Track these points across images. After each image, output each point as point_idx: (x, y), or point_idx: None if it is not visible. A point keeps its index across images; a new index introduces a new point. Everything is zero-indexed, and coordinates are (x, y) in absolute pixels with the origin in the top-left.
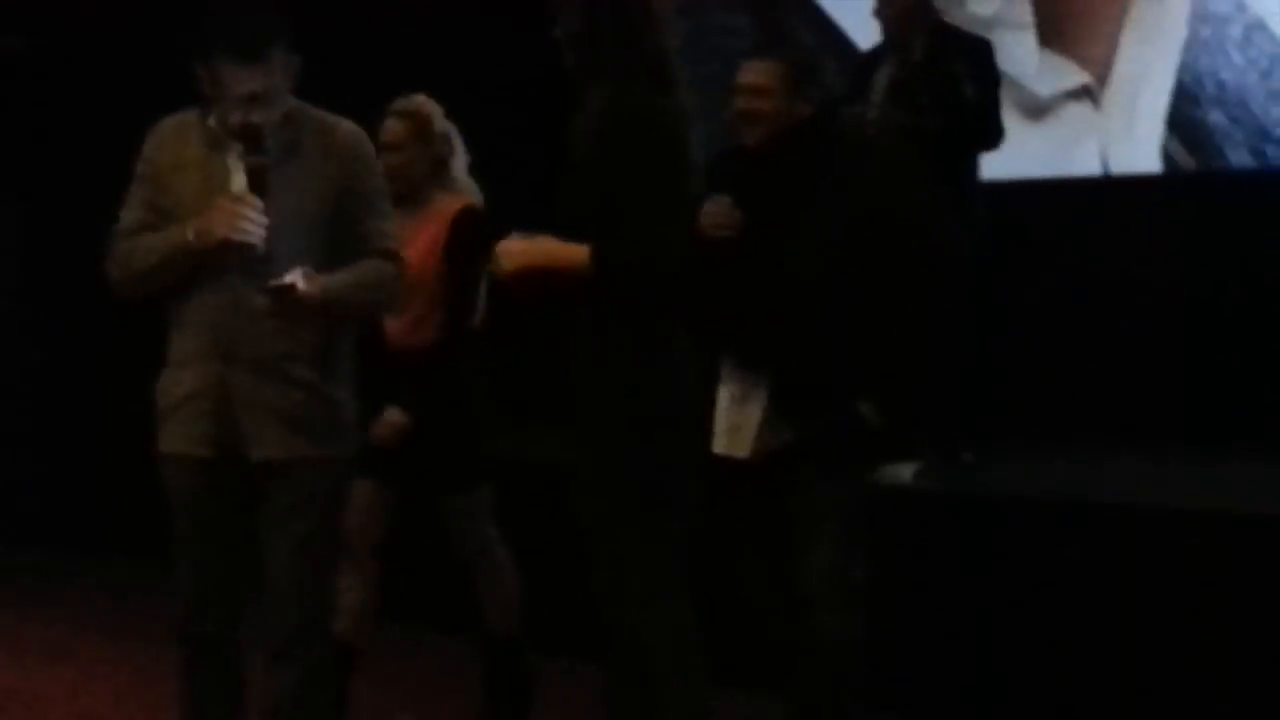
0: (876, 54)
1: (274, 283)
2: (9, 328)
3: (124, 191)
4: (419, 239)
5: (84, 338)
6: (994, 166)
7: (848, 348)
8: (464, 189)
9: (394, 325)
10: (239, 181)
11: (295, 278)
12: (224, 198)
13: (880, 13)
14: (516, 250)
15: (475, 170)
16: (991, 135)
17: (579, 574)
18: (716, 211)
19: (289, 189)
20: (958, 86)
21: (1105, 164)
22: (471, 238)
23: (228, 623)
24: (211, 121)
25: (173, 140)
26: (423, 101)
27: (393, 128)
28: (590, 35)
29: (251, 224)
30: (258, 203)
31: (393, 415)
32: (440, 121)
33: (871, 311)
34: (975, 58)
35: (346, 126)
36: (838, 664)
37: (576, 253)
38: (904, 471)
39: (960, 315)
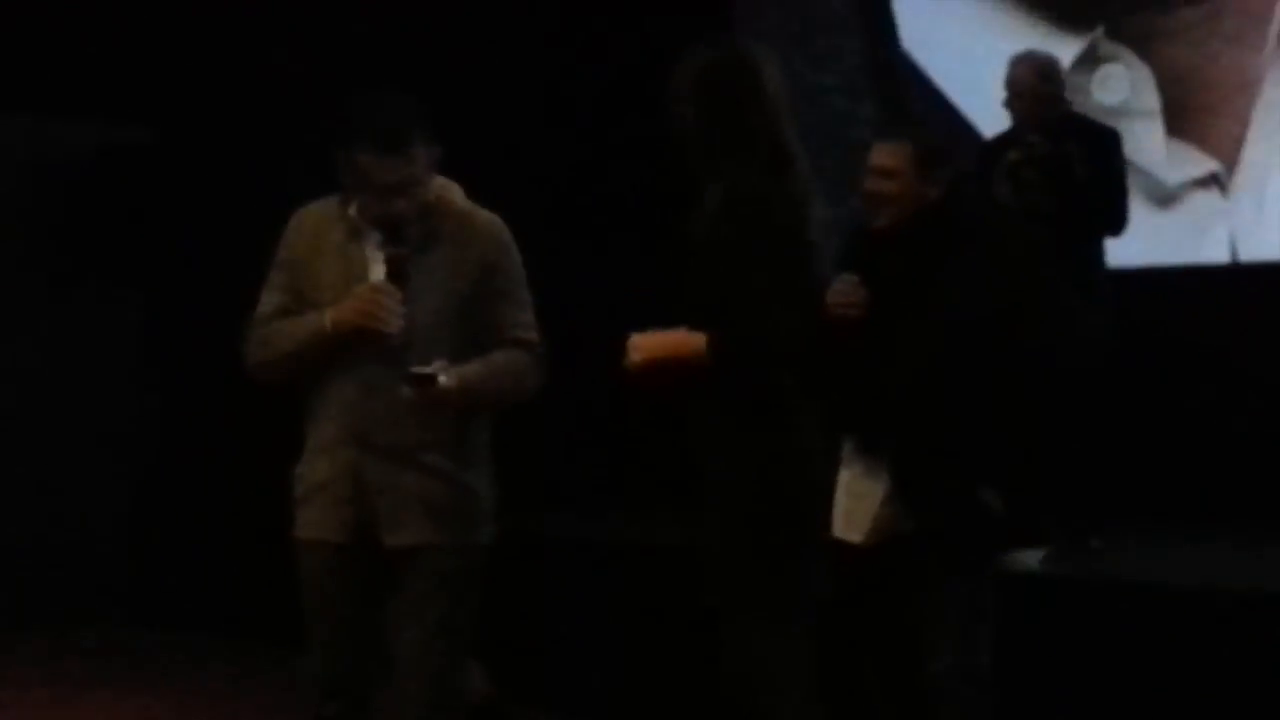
0: (1004, 140)
1: (416, 369)
2: (133, 413)
3: (248, 279)
4: None
5: (208, 423)
6: (1123, 254)
7: (972, 434)
8: None
9: None
10: (378, 270)
11: (437, 369)
12: (363, 287)
13: (1009, 104)
14: (643, 343)
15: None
16: (1115, 221)
17: (701, 660)
18: (843, 290)
19: (428, 279)
20: (1069, 167)
21: (1234, 251)
22: None
23: (356, 707)
24: (352, 211)
25: (313, 228)
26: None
27: None
28: (704, 128)
29: (390, 314)
30: (396, 292)
31: None
32: None
33: (997, 397)
34: (1096, 142)
35: (485, 216)
36: None
37: (699, 341)
38: (1031, 558)
39: (1090, 401)
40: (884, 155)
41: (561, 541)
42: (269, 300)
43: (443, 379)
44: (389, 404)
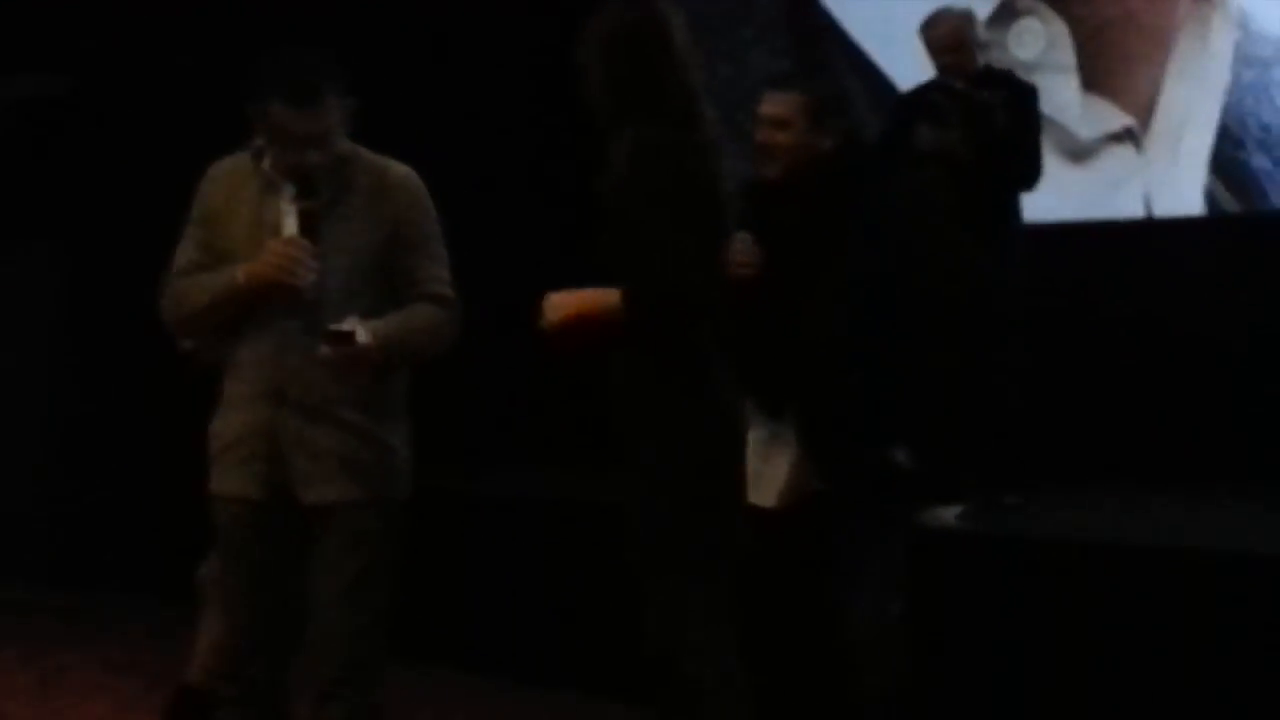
0: (925, 89)
1: (334, 326)
2: (53, 369)
3: (166, 232)
4: None
5: (128, 379)
6: (1037, 209)
7: (875, 390)
8: None
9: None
10: (291, 224)
11: (353, 325)
12: (275, 240)
13: (932, 56)
14: (558, 301)
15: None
16: (1030, 174)
17: (621, 615)
18: (738, 249)
19: (341, 232)
20: (990, 113)
21: (1148, 206)
22: None
23: (275, 666)
24: (265, 165)
25: (226, 182)
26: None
27: None
28: (614, 83)
29: (302, 267)
30: (308, 246)
31: None
32: None
33: (902, 354)
34: (1016, 95)
35: (399, 169)
36: (879, 711)
37: (613, 297)
38: (948, 514)
39: (1002, 357)
40: (775, 105)
41: (482, 498)
42: (184, 255)
43: (360, 336)
44: (304, 359)
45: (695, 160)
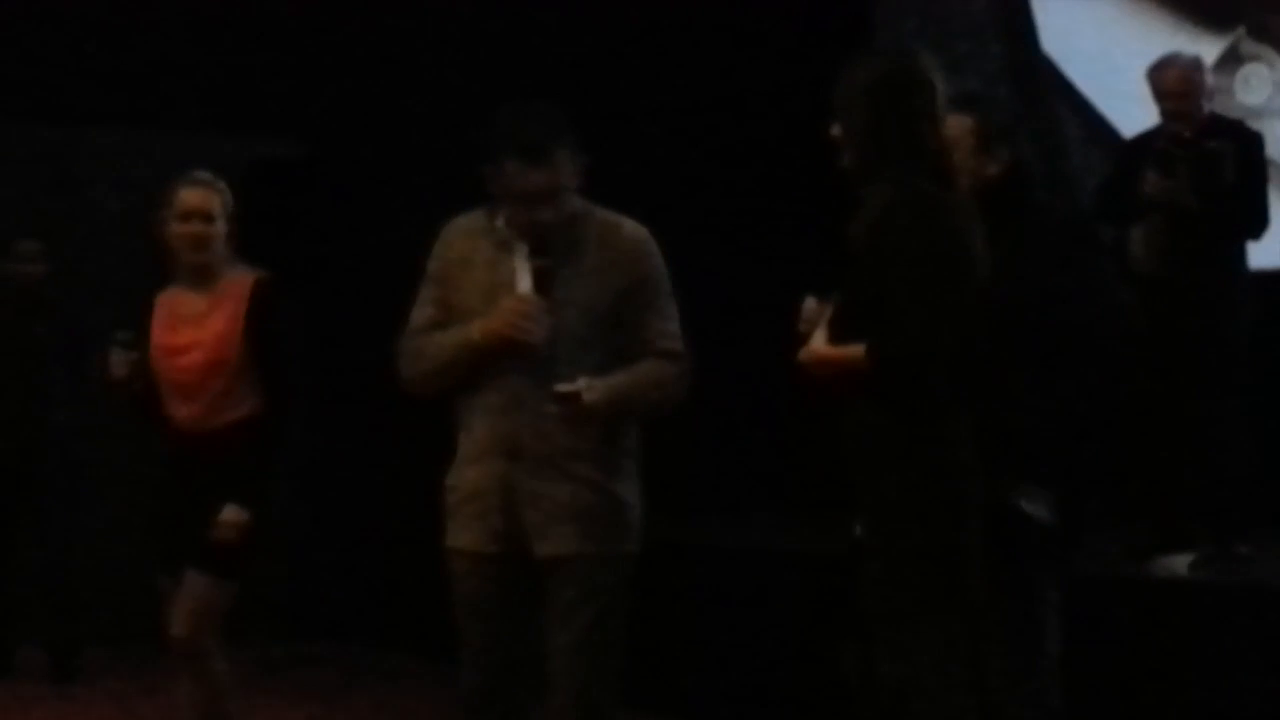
0: (1150, 136)
1: (561, 388)
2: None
3: (398, 290)
4: (212, 321)
5: (362, 433)
6: (1263, 256)
7: (1011, 437)
8: (239, 264)
9: (184, 410)
10: (525, 281)
11: (581, 386)
12: (509, 298)
13: (1158, 104)
14: (803, 358)
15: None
16: (1257, 224)
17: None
18: (807, 309)
19: (574, 289)
20: (1219, 164)
21: None
22: (277, 307)
23: (511, 716)
24: (499, 222)
25: (461, 241)
26: (218, 178)
27: (203, 195)
28: (875, 131)
29: (535, 324)
30: (541, 303)
31: (232, 515)
32: (231, 201)
33: (1040, 387)
34: (1243, 144)
35: (631, 226)
36: None
37: (856, 353)
38: (1178, 563)
39: (1233, 406)
40: (946, 126)
41: (711, 549)
42: (420, 314)
43: (587, 395)
44: (537, 414)
45: (950, 218)
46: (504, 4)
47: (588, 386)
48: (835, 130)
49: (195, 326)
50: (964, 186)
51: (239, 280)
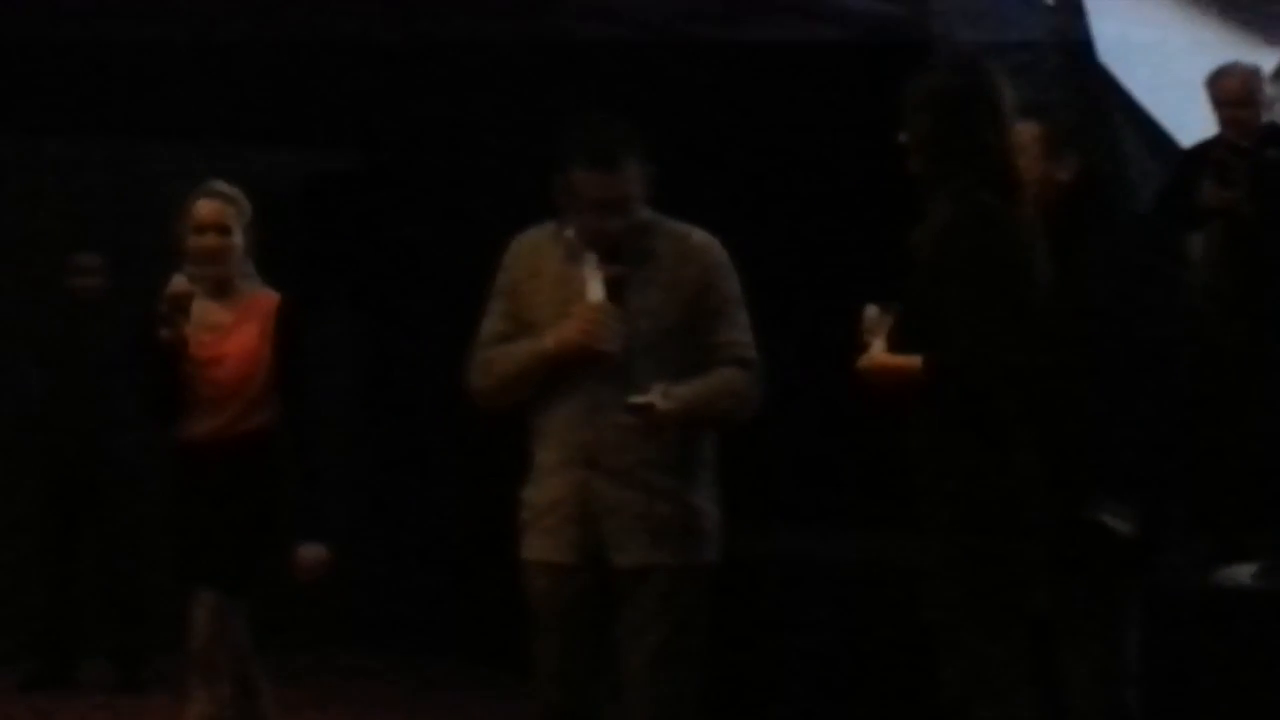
0: (1209, 145)
1: (635, 400)
2: (352, 436)
3: (461, 301)
4: (242, 332)
5: (426, 444)
6: None
7: (1090, 450)
8: (258, 282)
9: (211, 421)
10: (596, 290)
11: (655, 397)
12: (583, 306)
13: (1216, 113)
14: (865, 366)
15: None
16: None
17: (923, 676)
18: (868, 319)
19: (645, 298)
20: (1277, 172)
21: None
22: (301, 324)
23: None
24: (568, 232)
25: (529, 253)
26: (236, 190)
27: (218, 208)
28: (939, 140)
29: (610, 332)
30: (615, 311)
31: (314, 553)
32: (248, 212)
33: (1120, 394)
34: None
35: (700, 235)
36: None
37: (914, 363)
38: (1243, 573)
39: None
40: (1014, 134)
41: (795, 562)
42: (489, 326)
43: (661, 404)
44: (614, 424)
45: (1012, 232)
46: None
47: (662, 395)
48: (903, 137)
49: (221, 339)
50: (1031, 195)
51: (264, 296)
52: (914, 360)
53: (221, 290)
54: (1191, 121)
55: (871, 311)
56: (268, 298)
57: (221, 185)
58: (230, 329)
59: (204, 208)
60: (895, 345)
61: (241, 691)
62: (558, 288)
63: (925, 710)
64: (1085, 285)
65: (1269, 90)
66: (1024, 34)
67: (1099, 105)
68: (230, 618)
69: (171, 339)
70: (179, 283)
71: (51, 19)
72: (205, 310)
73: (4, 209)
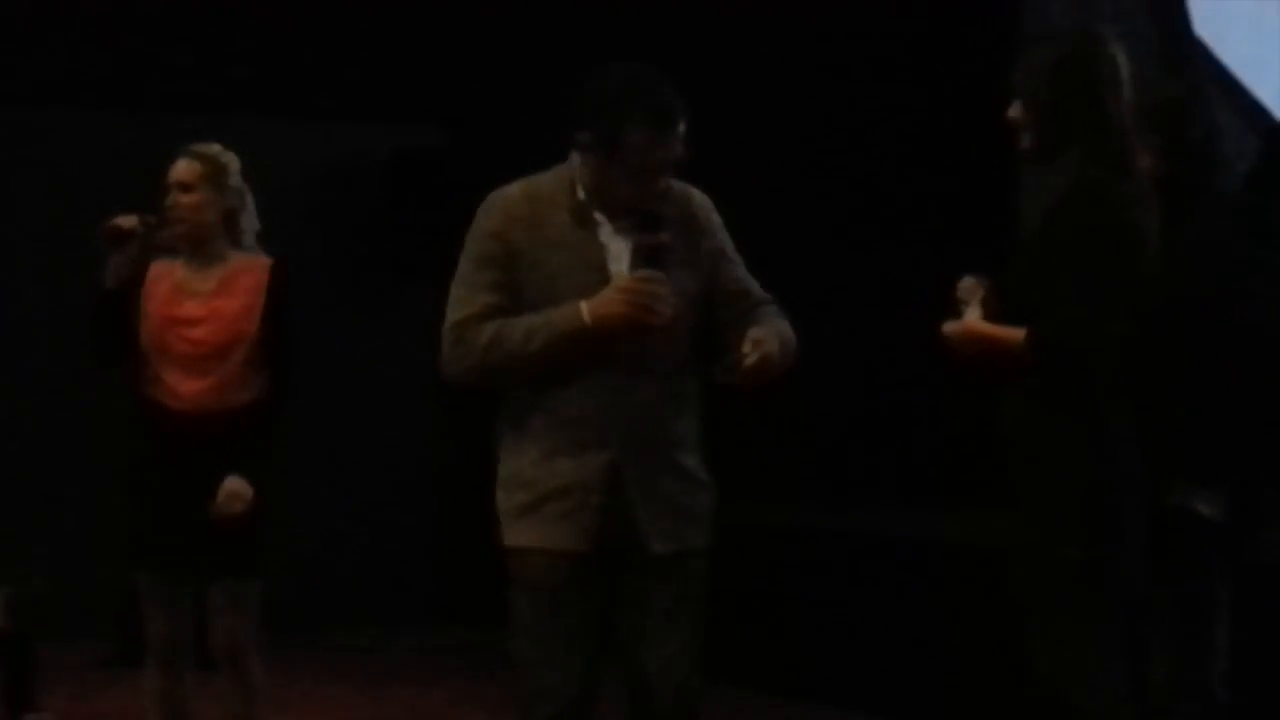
0: None
1: (749, 362)
2: (431, 412)
3: None
4: (228, 295)
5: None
6: None
7: (1182, 435)
8: (254, 253)
9: (193, 385)
10: (622, 259)
11: (746, 349)
12: (629, 277)
13: None
14: (961, 333)
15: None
16: None
17: (1002, 652)
18: (962, 288)
19: (676, 266)
20: None
21: None
22: (290, 294)
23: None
24: (580, 194)
25: (526, 214)
26: (220, 150)
27: (188, 167)
28: (1060, 110)
29: (664, 304)
30: (666, 281)
31: (236, 485)
32: (236, 176)
33: (1211, 384)
34: None
35: (695, 193)
36: None
37: (1014, 336)
38: None
39: None
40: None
41: (863, 536)
42: (475, 299)
43: (768, 346)
44: (647, 403)
45: (1126, 208)
46: None
47: (756, 339)
48: (1014, 111)
49: (203, 301)
50: (1145, 170)
51: (255, 261)
52: (1015, 332)
53: (200, 253)
54: None
55: (967, 281)
56: (259, 264)
57: (203, 145)
58: (216, 292)
59: (174, 167)
60: (993, 316)
61: (234, 677)
62: (572, 254)
63: (1011, 688)
64: (1182, 269)
65: None
66: (1117, 6)
67: (1194, 79)
68: (246, 604)
69: (111, 275)
70: (124, 218)
71: None
72: (185, 274)
73: (69, 184)
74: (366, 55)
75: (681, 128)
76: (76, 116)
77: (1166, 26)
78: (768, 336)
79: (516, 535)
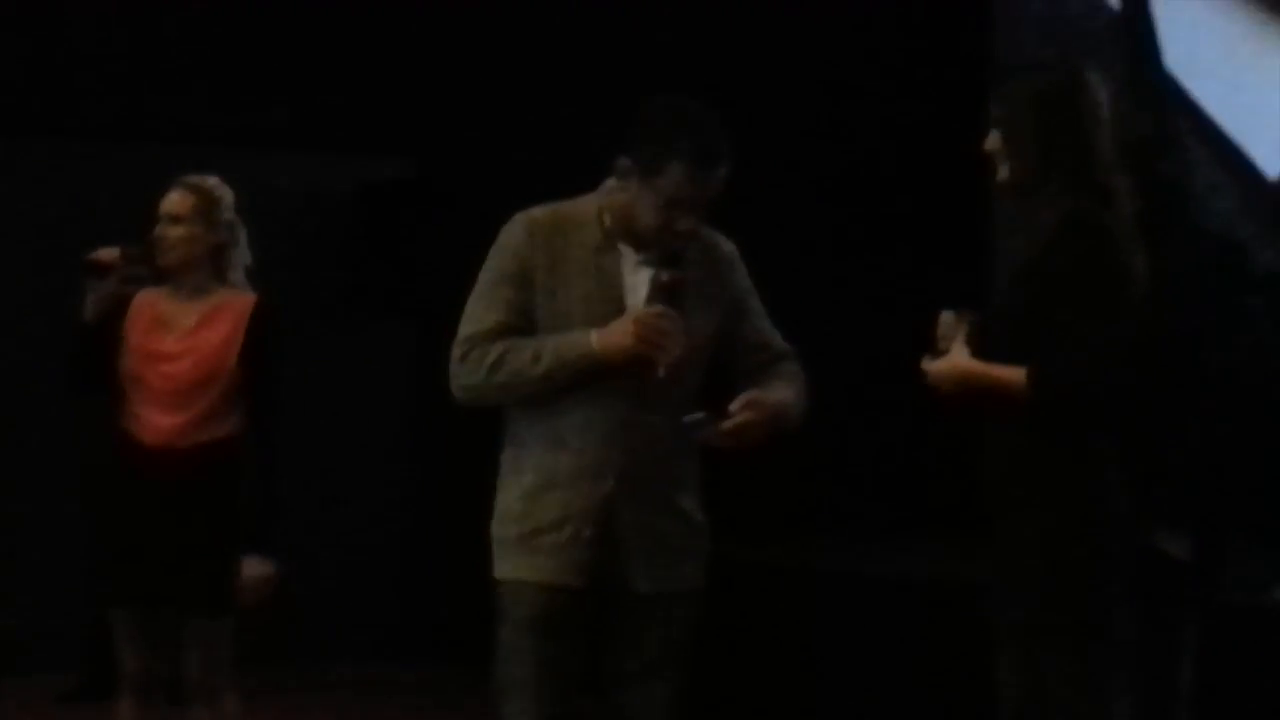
0: None
1: (692, 418)
2: (405, 446)
3: None
4: (208, 331)
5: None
6: None
7: (1152, 475)
8: (241, 289)
9: (168, 420)
10: (640, 291)
11: (700, 416)
12: (644, 311)
13: None
14: (946, 371)
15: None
16: None
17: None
18: (942, 324)
19: (692, 306)
20: None
21: None
22: (274, 333)
23: None
24: (607, 221)
25: (548, 237)
26: (216, 184)
27: (180, 199)
28: (1043, 143)
29: (673, 342)
30: (679, 319)
31: (257, 570)
32: (229, 210)
33: (1178, 421)
34: None
35: (723, 240)
36: None
37: (1008, 375)
38: None
39: None
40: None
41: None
42: (488, 315)
43: (754, 414)
44: (649, 440)
45: (1117, 244)
46: (622, 17)
47: (746, 404)
48: (991, 143)
49: (183, 336)
50: (1127, 203)
51: (239, 297)
52: (1012, 372)
53: (184, 286)
54: (1262, 130)
55: (947, 317)
56: (243, 300)
57: (195, 177)
58: (197, 327)
59: (166, 198)
60: (978, 352)
61: (207, 713)
62: (591, 282)
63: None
64: (1152, 307)
65: None
66: (1089, 42)
67: (1166, 114)
68: (222, 641)
69: (90, 310)
70: (104, 251)
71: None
72: (167, 308)
73: (47, 214)
74: (334, 86)
75: (723, 172)
76: (53, 146)
77: (1136, 60)
78: (761, 402)
79: (507, 567)
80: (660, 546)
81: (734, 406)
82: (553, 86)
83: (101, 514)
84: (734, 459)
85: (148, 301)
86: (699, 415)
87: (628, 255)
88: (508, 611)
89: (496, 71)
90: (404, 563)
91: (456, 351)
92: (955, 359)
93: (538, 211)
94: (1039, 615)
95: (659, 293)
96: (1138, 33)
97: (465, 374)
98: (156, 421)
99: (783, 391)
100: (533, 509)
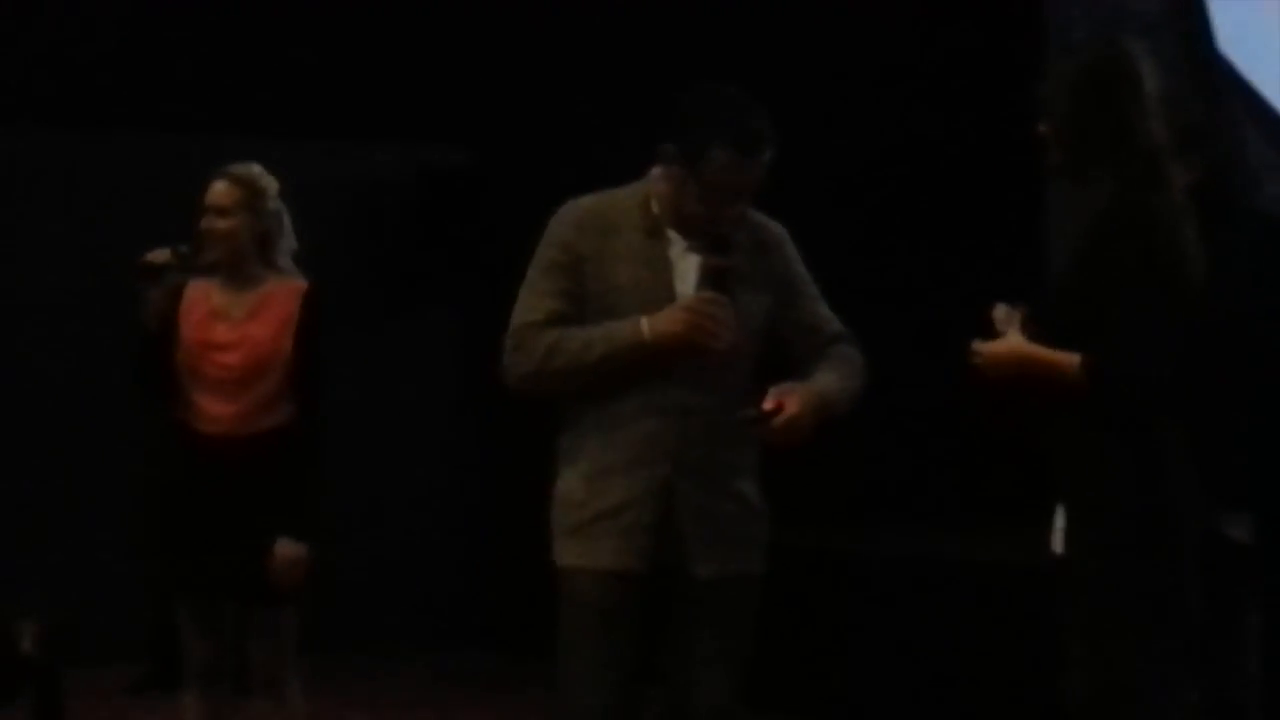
0: None
1: (747, 413)
2: (452, 433)
3: None
4: (259, 321)
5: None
6: None
7: (1213, 459)
8: (290, 275)
9: (224, 409)
10: (688, 278)
11: (785, 396)
12: (694, 298)
13: None
14: (999, 355)
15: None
16: None
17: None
18: (998, 318)
19: (742, 291)
20: None
21: None
22: (322, 319)
23: None
24: (655, 208)
25: (597, 225)
26: (260, 173)
27: (224, 190)
28: (1083, 126)
29: (725, 329)
30: (729, 305)
31: (289, 551)
32: (274, 199)
33: (1236, 408)
34: None
35: (773, 224)
36: None
37: (1066, 361)
38: None
39: None
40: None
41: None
42: (542, 304)
43: (795, 406)
44: (706, 426)
45: (1168, 226)
46: (676, 5)
47: (790, 391)
48: (1042, 127)
49: (236, 326)
50: (1181, 187)
51: (290, 284)
52: (1066, 356)
53: (235, 276)
54: None
55: (1000, 310)
56: (293, 286)
57: (239, 166)
58: (248, 317)
59: (211, 189)
60: (1033, 340)
61: (272, 703)
62: (640, 270)
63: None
64: (1213, 293)
65: None
66: (1140, 22)
67: (1219, 95)
68: (287, 631)
69: (150, 315)
70: (156, 253)
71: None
72: (219, 298)
73: (97, 208)
74: (392, 75)
75: (767, 157)
76: (98, 137)
77: (1190, 43)
78: (798, 393)
79: (566, 554)
80: (719, 531)
81: (766, 405)
82: (606, 76)
83: (160, 504)
84: (785, 452)
85: (200, 293)
86: (750, 412)
87: (676, 242)
88: (569, 598)
89: (550, 60)
90: (463, 550)
91: (510, 342)
92: (1011, 341)
93: (586, 201)
94: (1103, 604)
95: (708, 279)
96: (1190, 13)
97: (519, 364)
98: (213, 411)
99: (826, 377)
100: (591, 496)
